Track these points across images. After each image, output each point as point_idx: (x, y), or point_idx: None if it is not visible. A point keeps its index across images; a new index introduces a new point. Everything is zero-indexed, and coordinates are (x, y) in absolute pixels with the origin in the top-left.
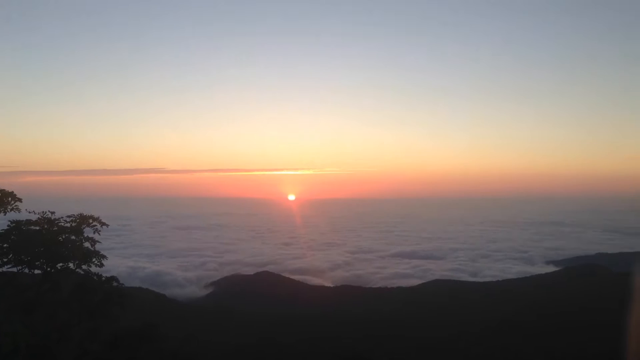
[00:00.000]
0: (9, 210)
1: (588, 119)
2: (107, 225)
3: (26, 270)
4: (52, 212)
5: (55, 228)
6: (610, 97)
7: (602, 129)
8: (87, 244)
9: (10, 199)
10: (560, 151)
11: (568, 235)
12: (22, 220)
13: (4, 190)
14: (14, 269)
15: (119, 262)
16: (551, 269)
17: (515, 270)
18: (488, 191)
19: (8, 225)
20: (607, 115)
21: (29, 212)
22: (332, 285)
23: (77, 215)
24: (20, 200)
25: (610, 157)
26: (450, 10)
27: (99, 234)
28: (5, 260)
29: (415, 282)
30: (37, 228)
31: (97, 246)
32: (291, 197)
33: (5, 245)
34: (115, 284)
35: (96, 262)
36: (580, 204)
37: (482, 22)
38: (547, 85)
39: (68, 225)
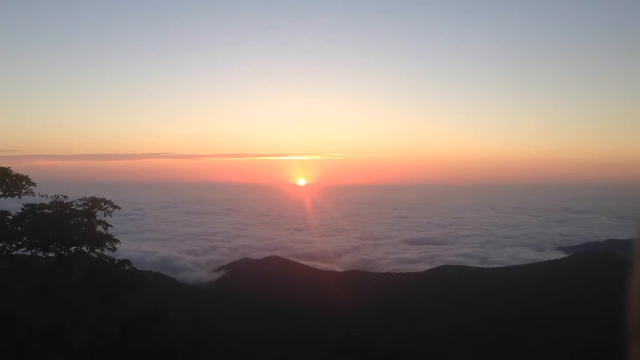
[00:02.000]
0: (23, 193)
1: (602, 104)
2: (119, 208)
3: (40, 254)
4: (65, 196)
5: (68, 211)
6: (628, 82)
7: (615, 116)
8: (99, 228)
9: (24, 182)
10: (572, 137)
11: (579, 221)
12: (36, 204)
13: (19, 174)
14: (28, 252)
15: (132, 246)
16: (561, 255)
17: (524, 256)
18: (500, 178)
19: (22, 209)
20: (623, 101)
21: (42, 196)
22: (340, 271)
23: (90, 198)
24: (34, 184)
25: (623, 143)
26: None
27: (111, 216)
28: (19, 243)
29: (423, 267)
30: (51, 212)
31: (112, 230)
32: (301, 182)
33: (19, 228)
34: (127, 267)
35: (109, 245)
36: (591, 190)
37: (498, 5)
38: (562, 71)
39: (80, 208)
